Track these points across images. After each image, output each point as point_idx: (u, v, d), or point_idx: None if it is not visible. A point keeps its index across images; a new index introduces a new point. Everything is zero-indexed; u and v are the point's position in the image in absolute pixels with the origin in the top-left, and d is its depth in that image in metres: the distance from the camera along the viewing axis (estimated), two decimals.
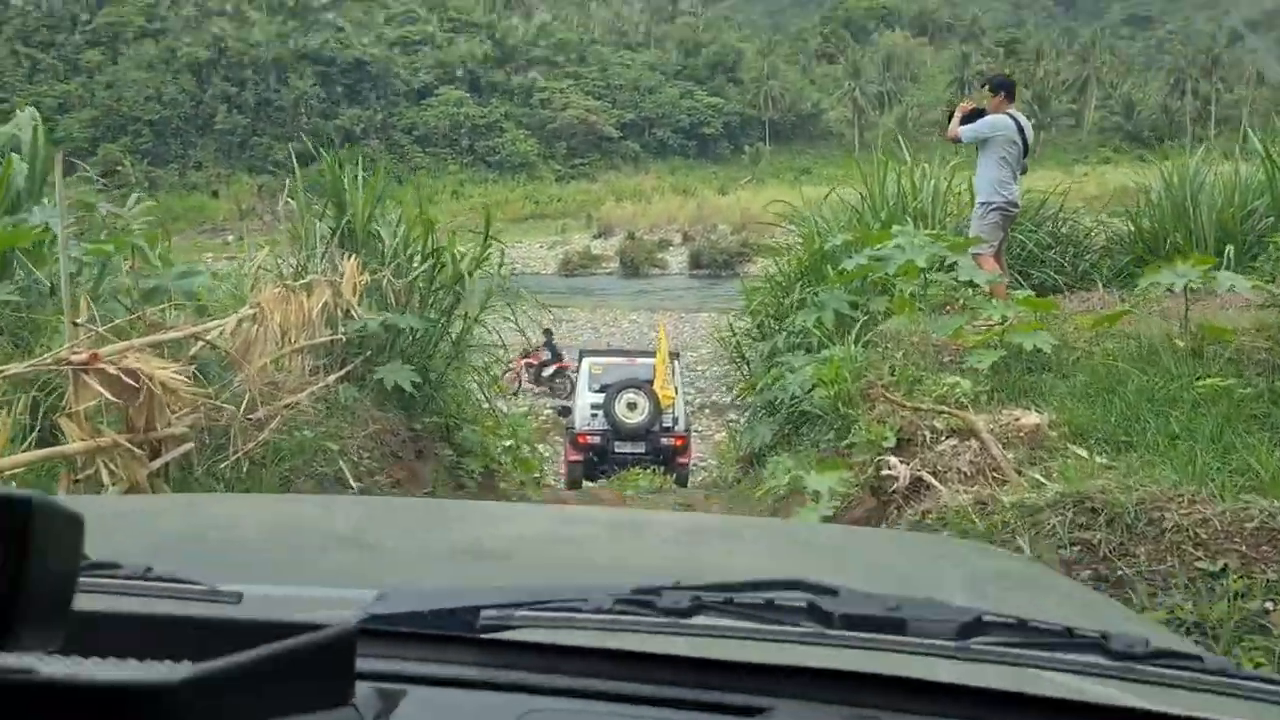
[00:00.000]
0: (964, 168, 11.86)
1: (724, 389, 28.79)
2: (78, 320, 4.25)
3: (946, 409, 5.35)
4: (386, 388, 8.40)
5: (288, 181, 9.66)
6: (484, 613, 1.04)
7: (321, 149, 10.97)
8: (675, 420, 15.13)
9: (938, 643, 0.99)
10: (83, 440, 4.34)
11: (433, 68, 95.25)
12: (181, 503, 3.05)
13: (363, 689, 0.88)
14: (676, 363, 16.65)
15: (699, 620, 1.02)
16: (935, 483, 4.83)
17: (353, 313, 8.27)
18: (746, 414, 12.63)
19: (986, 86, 8.33)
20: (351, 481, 6.96)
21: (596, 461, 14.87)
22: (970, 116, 8.11)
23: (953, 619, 1.01)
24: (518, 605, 1.05)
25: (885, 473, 5.19)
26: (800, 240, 12.16)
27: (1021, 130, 8.05)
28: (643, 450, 14.56)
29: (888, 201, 11.48)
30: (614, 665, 1.03)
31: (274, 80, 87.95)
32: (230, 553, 1.63)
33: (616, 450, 14.59)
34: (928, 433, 5.34)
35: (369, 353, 8.59)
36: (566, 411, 16.34)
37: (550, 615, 1.04)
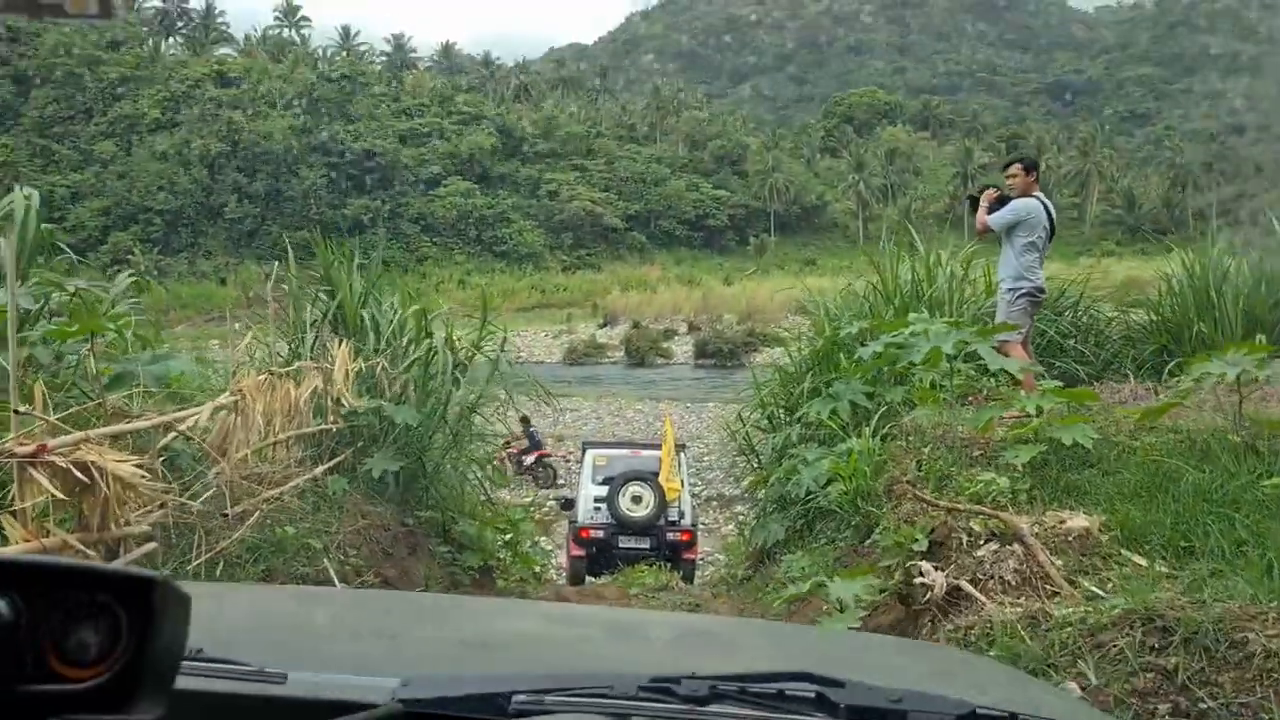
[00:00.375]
0: (980, 254, 11.56)
1: (732, 481, 28.26)
2: (20, 409, 3.82)
3: (984, 510, 4.87)
4: (375, 478, 7.93)
5: (275, 265, 9.32)
6: (516, 698, 1.08)
7: (328, 237, 10.66)
8: (681, 514, 14.72)
9: None
10: (26, 540, 3.88)
11: (441, 158, 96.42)
12: (204, 591, 3.05)
13: None
14: (683, 455, 16.29)
15: (715, 708, 1.07)
16: (975, 593, 4.34)
17: (343, 400, 7.85)
18: (756, 508, 12.11)
19: (1018, 165, 8.00)
20: (336, 582, 6.46)
21: (600, 557, 14.46)
22: (995, 205, 7.78)
23: (951, 711, 1.06)
24: (548, 691, 1.09)
25: (917, 580, 4.70)
26: (810, 329, 11.77)
27: (1049, 212, 7.71)
28: (648, 545, 14.17)
29: (901, 289, 11.12)
30: None
31: (285, 171, 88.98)
32: (261, 638, 1.65)
33: (621, 545, 14.18)
34: (964, 535, 4.86)
35: (360, 443, 8.15)
36: (569, 503, 15.92)
37: (580, 700, 1.08)
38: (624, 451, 15.88)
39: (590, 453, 15.75)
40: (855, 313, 11.25)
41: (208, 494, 5.30)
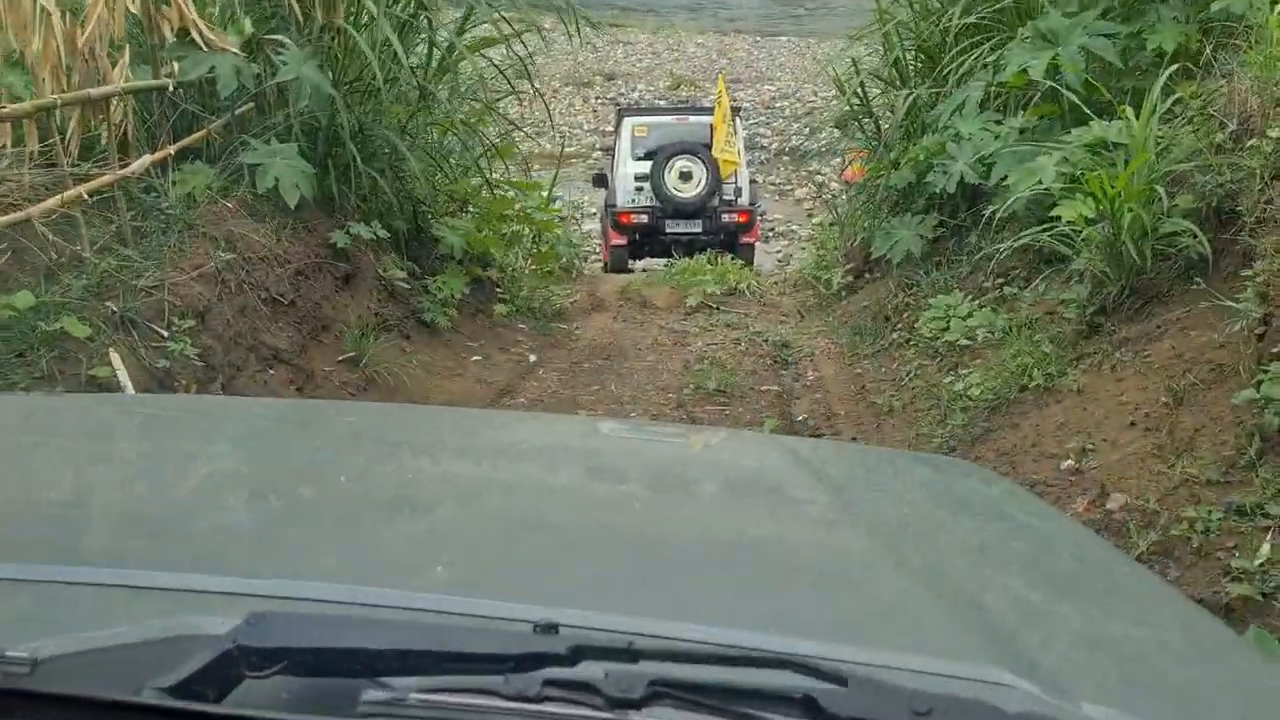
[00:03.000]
0: None
1: (804, 132, 24.58)
2: None
3: None
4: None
5: None
6: (365, 694, 0.75)
7: None
8: (739, 192, 12.41)
9: None
10: None
11: None
12: None
13: None
14: (739, 120, 13.15)
15: (655, 712, 0.75)
16: None
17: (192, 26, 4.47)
18: (863, 195, 8.69)
19: None
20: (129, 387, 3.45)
21: (644, 244, 12.45)
22: None
23: None
24: (410, 669, 0.76)
25: None
26: None
27: None
28: (699, 230, 11.99)
29: None
30: None
31: None
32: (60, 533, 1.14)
33: (668, 230, 12.04)
34: None
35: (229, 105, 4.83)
36: (602, 180, 13.21)
37: (456, 701, 0.76)
38: (668, 119, 13.23)
39: (628, 120, 13.13)
40: None
41: None
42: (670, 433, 3.05)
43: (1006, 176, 5.09)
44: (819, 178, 19.71)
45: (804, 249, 16.05)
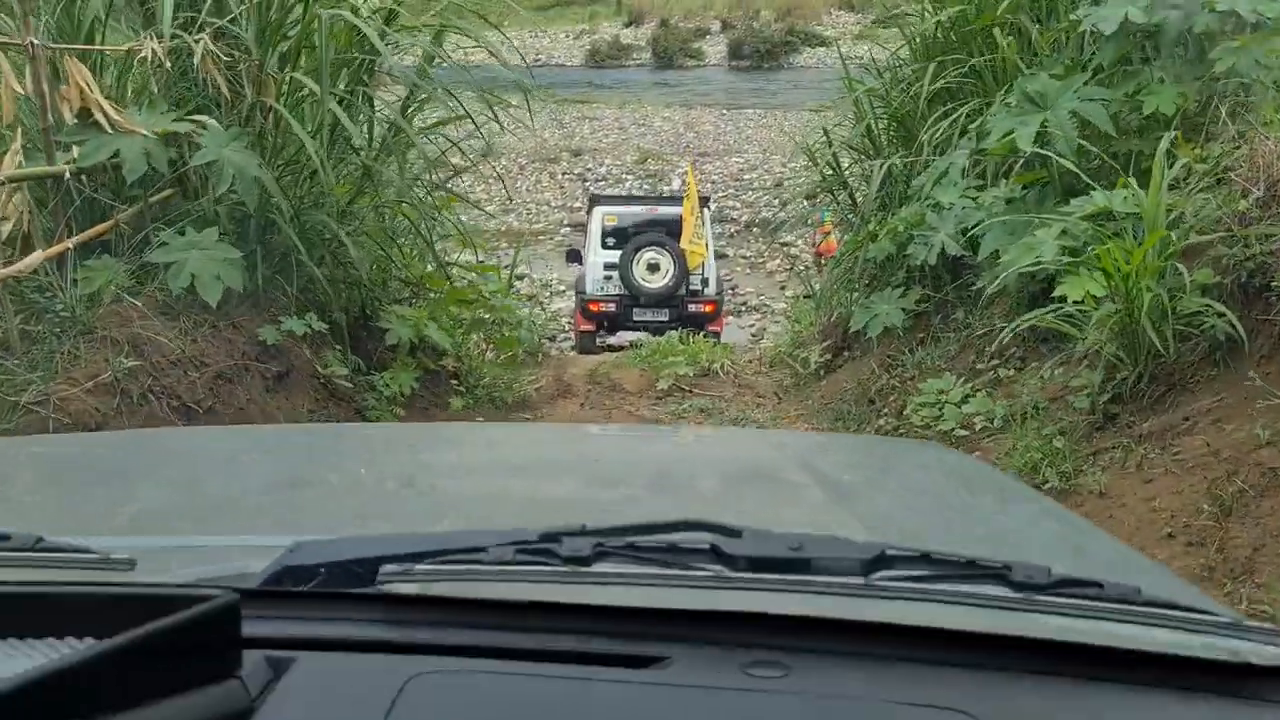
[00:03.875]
0: None
1: (775, 205, 24.37)
2: None
3: None
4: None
5: None
6: (384, 568, 1.00)
7: None
8: (705, 282, 12.76)
9: (841, 580, 0.98)
10: None
11: None
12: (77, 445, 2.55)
13: (252, 658, 0.86)
14: (707, 210, 13.39)
15: (600, 568, 1.00)
16: None
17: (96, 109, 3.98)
18: (839, 270, 8.26)
19: None
20: None
21: (612, 330, 12.91)
22: None
23: (856, 555, 0.99)
24: (419, 557, 1.01)
25: None
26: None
27: None
28: (665, 318, 12.34)
29: None
30: (508, 618, 1.00)
31: None
32: (134, 502, 1.57)
33: (635, 318, 12.49)
34: None
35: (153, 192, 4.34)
36: (576, 256, 13.61)
37: (450, 568, 1.01)
38: (639, 208, 13.43)
39: (599, 209, 13.28)
40: None
41: None
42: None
43: (998, 251, 4.65)
44: (791, 250, 19.40)
45: (778, 322, 15.65)
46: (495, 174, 8.90)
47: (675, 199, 13.49)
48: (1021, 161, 5.75)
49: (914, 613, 0.97)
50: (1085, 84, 4.54)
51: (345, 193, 5.84)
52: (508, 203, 25.76)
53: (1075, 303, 3.79)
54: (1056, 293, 3.85)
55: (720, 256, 18.34)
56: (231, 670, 0.82)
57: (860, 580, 0.97)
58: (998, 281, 4.91)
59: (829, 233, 12.27)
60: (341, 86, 5.39)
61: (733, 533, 1.00)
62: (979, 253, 4.80)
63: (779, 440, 2.37)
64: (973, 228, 5.78)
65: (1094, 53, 5.35)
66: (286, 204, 5.12)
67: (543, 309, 13.69)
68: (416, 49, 6.26)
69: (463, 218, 19.66)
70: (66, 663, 0.69)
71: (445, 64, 6.50)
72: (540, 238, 22.41)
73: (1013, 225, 4.69)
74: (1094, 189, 4.13)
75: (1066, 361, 4.56)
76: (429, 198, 6.86)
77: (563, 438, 2.42)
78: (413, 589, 0.99)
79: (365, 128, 5.91)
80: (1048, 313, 4.08)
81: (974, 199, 5.87)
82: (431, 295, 6.98)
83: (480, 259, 8.19)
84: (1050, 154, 4.51)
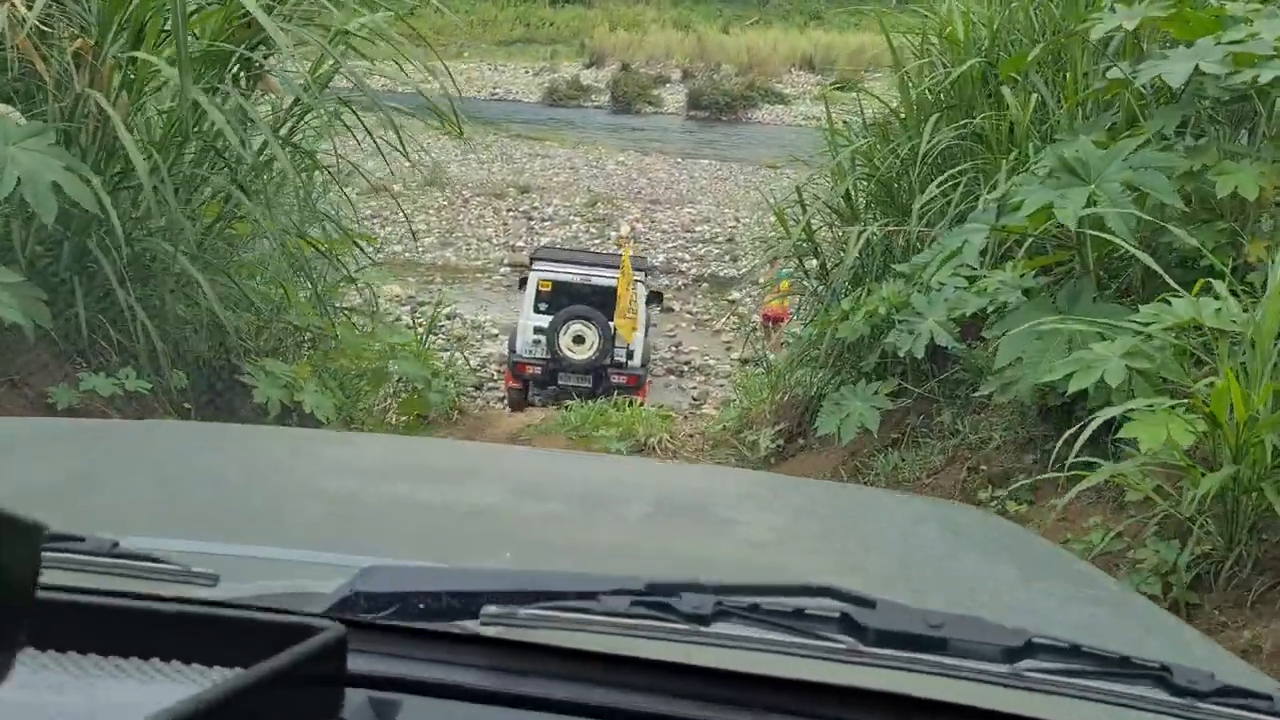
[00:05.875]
0: None
1: (726, 260, 23.44)
2: None
3: None
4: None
5: None
6: (486, 608, 0.94)
7: None
8: (630, 355, 13.19)
9: (983, 666, 0.92)
10: None
11: None
12: (137, 431, 2.54)
13: (357, 698, 0.83)
14: (640, 285, 13.57)
15: (722, 628, 0.93)
16: None
17: None
18: (800, 346, 7.24)
19: None
20: None
21: (538, 390, 13.36)
22: None
23: (999, 641, 0.92)
24: (523, 598, 0.95)
25: None
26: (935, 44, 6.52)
27: None
28: (589, 384, 12.77)
29: None
30: (622, 675, 0.94)
31: None
32: (201, 507, 1.52)
33: (560, 381, 12.97)
34: None
35: None
36: (524, 283, 13.77)
37: (559, 615, 0.94)
38: (575, 275, 13.53)
39: (534, 273, 13.61)
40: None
41: None
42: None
43: (1021, 357, 3.65)
44: (740, 308, 18.47)
45: (722, 386, 14.69)
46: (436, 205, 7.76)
47: (614, 262, 13.58)
48: (1028, 242, 4.81)
49: (1065, 710, 0.92)
50: (1139, 149, 3.58)
51: (214, 213, 4.70)
52: (447, 235, 24.69)
53: (1149, 452, 2.77)
54: (1124, 433, 2.84)
55: (666, 310, 17.83)
56: (334, 710, 0.79)
57: (1005, 668, 0.91)
58: (1010, 390, 3.92)
59: (784, 295, 11.47)
60: (206, 78, 4.26)
61: (866, 603, 0.95)
62: (997, 359, 3.80)
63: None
64: (970, 317, 4.82)
65: (1115, 116, 4.45)
66: (120, 226, 3.97)
67: (463, 359, 12.63)
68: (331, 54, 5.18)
69: (397, 248, 18.25)
70: (208, 697, 0.66)
71: (372, 80, 5.45)
72: (478, 275, 21.28)
73: (1029, 320, 3.71)
74: (1182, 295, 3.13)
75: (1100, 502, 3.55)
76: (328, 229, 5.73)
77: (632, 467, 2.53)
78: (520, 634, 0.93)
79: (245, 140, 4.77)
80: (1109, 472, 2.99)
81: (969, 280, 4.91)
82: (325, 346, 5.85)
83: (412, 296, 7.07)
84: (1103, 234, 3.51)
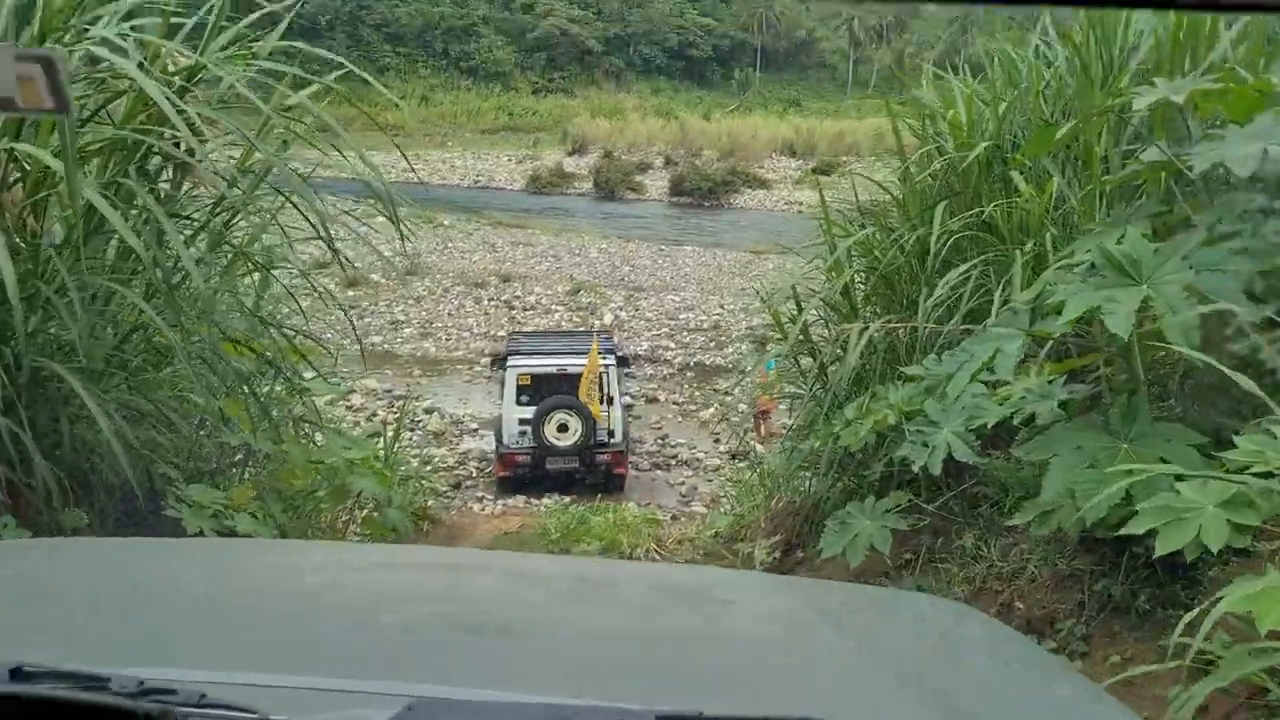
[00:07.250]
0: None
1: (712, 347, 22.98)
2: None
3: None
4: None
5: None
6: None
7: None
8: (611, 434, 14.18)
9: None
10: None
11: None
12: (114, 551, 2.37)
13: None
14: (613, 370, 14.38)
15: None
16: None
17: None
18: (791, 450, 6.66)
19: None
20: None
21: (527, 478, 13.99)
22: None
23: None
24: None
25: None
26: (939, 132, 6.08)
27: None
28: (576, 466, 13.88)
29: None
30: None
31: None
32: (230, 638, 1.45)
33: (548, 467, 13.85)
34: None
35: None
36: (501, 362, 14.62)
37: None
38: (550, 369, 14.37)
39: (512, 370, 14.39)
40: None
41: None
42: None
43: (1073, 490, 3.09)
44: (727, 398, 17.94)
45: (711, 480, 14.09)
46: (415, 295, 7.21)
47: (588, 339, 14.79)
48: (1049, 343, 4.29)
49: None
50: (1197, 247, 3.08)
51: (131, 322, 4.14)
52: (427, 325, 24.20)
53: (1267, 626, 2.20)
54: (1231, 607, 2.27)
55: (651, 401, 17.63)
56: None
57: None
58: (1050, 520, 3.36)
59: (773, 386, 10.99)
60: (118, 173, 3.72)
61: None
62: (1044, 492, 3.24)
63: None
64: (992, 428, 4.28)
65: (1159, 205, 3.97)
66: (22, 339, 3.41)
67: (439, 457, 12.02)
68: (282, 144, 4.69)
69: (376, 339, 17.60)
70: None
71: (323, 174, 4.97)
72: (458, 366, 20.74)
73: (1087, 451, 3.16)
74: (1238, 408, 2.60)
75: (1165, 655, 2.95)
76: (273, 335, 5.18)
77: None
78: None
79: (174, 239, 4.22)
80: (1225, 657, 2.38)
81: (990, 388, 4.37)
82: (274, 465, 5.27)
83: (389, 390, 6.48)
84: (1168, 345, 2.98)
